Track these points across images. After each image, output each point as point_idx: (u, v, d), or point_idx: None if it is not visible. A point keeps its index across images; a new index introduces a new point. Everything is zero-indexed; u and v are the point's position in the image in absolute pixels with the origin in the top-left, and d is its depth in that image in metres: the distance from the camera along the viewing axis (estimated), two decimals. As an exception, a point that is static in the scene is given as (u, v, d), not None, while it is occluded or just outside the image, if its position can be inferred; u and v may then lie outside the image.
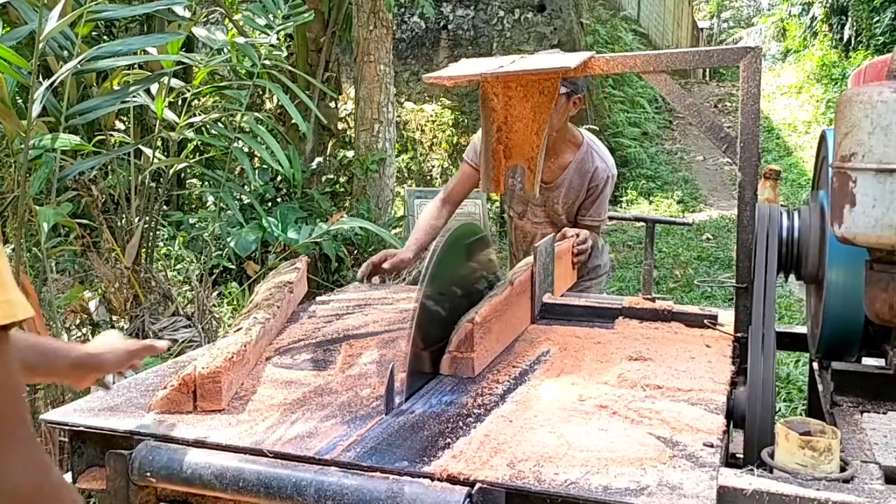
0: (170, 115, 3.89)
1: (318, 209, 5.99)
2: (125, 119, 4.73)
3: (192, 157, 4.50)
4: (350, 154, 7.04)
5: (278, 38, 4.38)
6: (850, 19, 16.40)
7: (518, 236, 3.23)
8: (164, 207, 5.23)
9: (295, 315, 2.26)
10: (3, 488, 0.65)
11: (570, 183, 2.91)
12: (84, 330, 3.53)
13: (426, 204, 3.16)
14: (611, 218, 3.13)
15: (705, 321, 2.13)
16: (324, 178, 6.93)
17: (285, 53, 5.20)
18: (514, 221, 3.19)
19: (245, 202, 5.26)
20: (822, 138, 2.10)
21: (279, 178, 5.99)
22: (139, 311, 3.58)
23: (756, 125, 1.98)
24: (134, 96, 3.46)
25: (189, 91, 4.09)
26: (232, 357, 1.58)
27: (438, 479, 1.19)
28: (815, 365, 2.26)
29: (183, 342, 3.42)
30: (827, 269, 1.89)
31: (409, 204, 6.47)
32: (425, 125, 10.52)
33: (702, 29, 27.98)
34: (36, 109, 2.88)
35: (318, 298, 2.52)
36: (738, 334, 2.00)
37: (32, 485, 0.67)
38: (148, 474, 1.31)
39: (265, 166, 5.35)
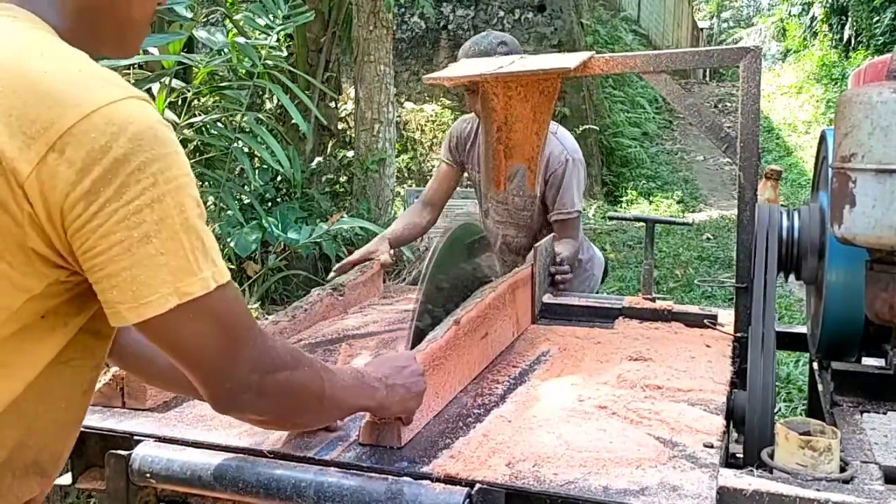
0: (170, 116, 3.89)
1: (318, 209, 5.98)
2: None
3: (192, 157, 4.50)
4: (350, 154, 7.04)
5: (278, 39, 4.38)
6: (850, 19, 16.39)
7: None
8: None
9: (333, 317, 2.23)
10: (242, 376, 0.93)
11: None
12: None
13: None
14: (610, 218, 3.01)
15: (705, 321, 2.13)
16: (324, 178, 6.92)
17: (285, 53, 5.20)
18: (482, 221, 2.88)
19: (245, 202, 5.26)
20: (822, 138, 2.10)
21: (279, 178, 5.99)
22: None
23: (756, 125, 1.98)
24: (134, 96, 3.46)
25: (189, 91, 4.09)
26: None
27: (437, 480, 1.19)
28: (815, 365, 2.26)
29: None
30: (827, 269, 1.89)
31: (409, 204, 6.46)
32: (425, 125, 10.52)
33: (702, 29, 27.98)
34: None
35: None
36: (738, 334, 1.99)
37: (266, 368, 0.94)
38: (147, 475, 1.30)
39: (265, 166, 5.34)
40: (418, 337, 1.53)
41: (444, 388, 1.52)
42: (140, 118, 0.83)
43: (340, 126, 8.00)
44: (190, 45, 5.40)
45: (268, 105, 6.94)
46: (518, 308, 2.03)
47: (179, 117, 3.98)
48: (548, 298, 2.32)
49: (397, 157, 8.28)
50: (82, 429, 1.39)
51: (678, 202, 10.54)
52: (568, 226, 2.68)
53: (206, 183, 4.54)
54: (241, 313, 0.93)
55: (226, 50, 4.22)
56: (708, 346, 1.96)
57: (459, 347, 1.59)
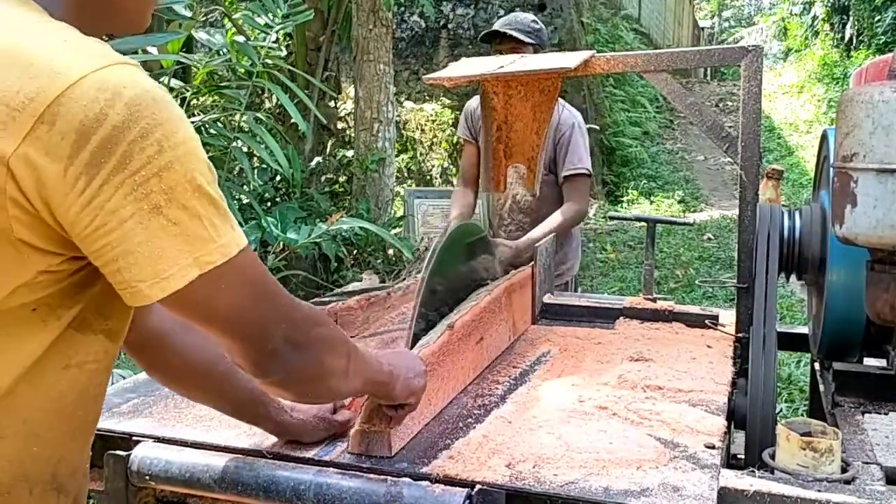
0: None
1: (318, 209, 5.98)
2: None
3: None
4: (350, 154, 7.03)
5: (278, 38, 4.38)
6: (851, 18, 16.39)
7: (491, 200, 3.05)
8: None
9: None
10: (283, 334, 0.91)
11: None
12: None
13: (425, 203, 3.11)
14: (611, 218, 3.05)
15: (706, 321, 2.12)
16: (323, 178, 6.92)
17: (284, 52, 5.20)
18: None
19: (244, 202, 5.25)
20: (824, 138, 2.10)
21: (278, 178, 5.99)
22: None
23: (757, 124, 1.97)
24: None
25: (188, 91, 4.08)
26: None
27: (436, 481, 1.19)
28: (817, 365, 2.25)
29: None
30: (828, 269, 1.89)
31: (409, 204, 6.45)
32: (425, 125, 10.51)
33: (703, 28, 27.96)
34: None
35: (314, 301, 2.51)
36: (740, 335, 1.99)
37: (309, 321, 0.95)
38: (147, 476, 1.30)
39: (264, 166, 5.34)
40: (415, 342, 1.53)
41: (437, 394, 1.46)
42: (133, 83, 0.78)
43: (340, 125, 7.99)
44: (189, 45, 5.39)
45: (267, 104, 6.94)
46: (515, 311, 2.02)
47: (179, 117, 3.96)
48: (548, 299, 2.31)
49: (397, 156, 8.27)
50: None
51: (679, 202, 10.52)
52: (576, 183, 2.81)
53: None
54: (266, 273, 0.91)
55: (225, 49, 4.22)
56: (709, 346, 1.96)
57: (453, 353, 1.54)
